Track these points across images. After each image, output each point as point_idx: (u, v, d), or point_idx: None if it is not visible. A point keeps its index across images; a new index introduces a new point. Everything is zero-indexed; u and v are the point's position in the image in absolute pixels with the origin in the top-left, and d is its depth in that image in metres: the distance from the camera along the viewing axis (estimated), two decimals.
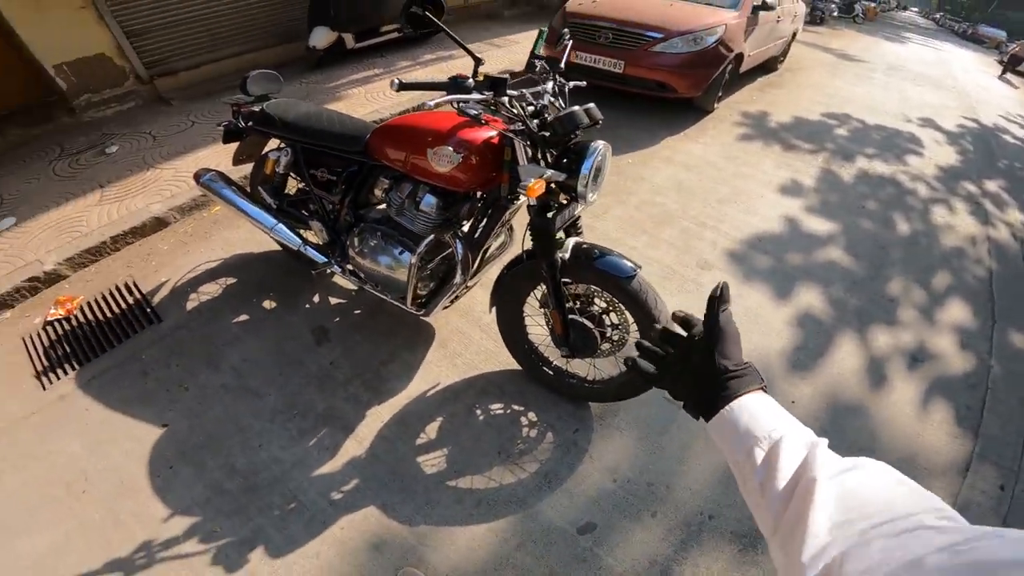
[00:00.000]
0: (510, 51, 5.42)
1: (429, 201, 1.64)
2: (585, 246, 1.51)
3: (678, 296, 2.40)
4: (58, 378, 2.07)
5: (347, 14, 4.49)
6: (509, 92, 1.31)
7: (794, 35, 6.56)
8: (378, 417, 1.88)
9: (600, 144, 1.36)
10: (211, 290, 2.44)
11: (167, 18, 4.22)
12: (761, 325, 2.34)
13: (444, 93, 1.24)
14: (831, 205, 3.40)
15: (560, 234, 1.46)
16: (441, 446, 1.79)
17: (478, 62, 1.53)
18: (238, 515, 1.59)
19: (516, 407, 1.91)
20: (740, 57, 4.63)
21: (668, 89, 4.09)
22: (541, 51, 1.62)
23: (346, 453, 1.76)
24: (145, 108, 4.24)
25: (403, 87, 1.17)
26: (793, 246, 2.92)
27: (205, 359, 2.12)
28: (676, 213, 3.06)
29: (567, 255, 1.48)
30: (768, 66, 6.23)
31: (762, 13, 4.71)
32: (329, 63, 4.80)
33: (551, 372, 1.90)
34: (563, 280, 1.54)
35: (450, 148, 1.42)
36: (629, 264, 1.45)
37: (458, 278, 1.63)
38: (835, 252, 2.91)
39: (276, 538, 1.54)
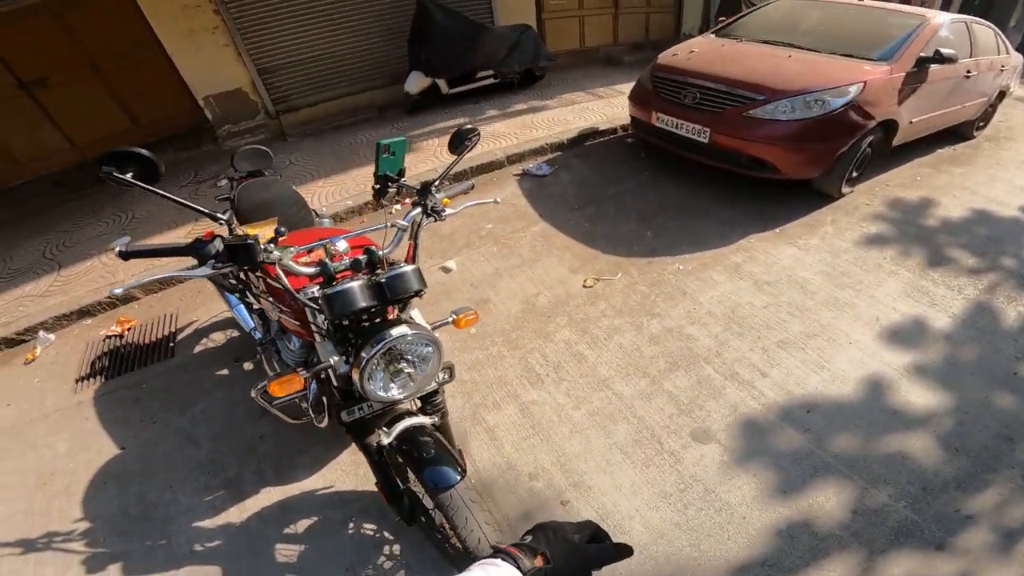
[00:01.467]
0: (609, 104, 5.19)
1: (292, 339, 1.65)
2: (414, 438, 1.33)
3: (641, 471, 1.93)
4: (88, 385, 2.58)
5: (437, 60, 4.80)
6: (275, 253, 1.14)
7: (1002, 94, 5.03)
8: (269, 497, 1.99)
9: (393, 334, 1.17)
10: (218, 339, 2.78)
11: (291, 57, 5.02)
12: (730, 530, 1.77)
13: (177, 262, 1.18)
14: (961, 366, 2.39)
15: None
16: (301, 543, 1.83)
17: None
18: (123, 536, 1.88)
19: (386, 535, 1.83)
20: (892, 125, 3.69)
21: (767, 168, 3.37)
22: (390, 169, 1.45)
23: (227, 516, 1.93)
24: (270, 142, 5.08)
25: (126, 255, 1.00)
26: (855, 424, 2.10)
27: (179, 402, 2.45)
28: (705, 354, 2.39)
29: (391, 440, 1.32)
30: (960, 132, 4.88)
31: (934, 67, 3.68)
32: (424, 108, 5.18)
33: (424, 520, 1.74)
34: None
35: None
36: (451, 473, 1.24)
37: (315, 418, 1.60)
38: (922, 441, 2.05)
39: (136, 564, 1.79)
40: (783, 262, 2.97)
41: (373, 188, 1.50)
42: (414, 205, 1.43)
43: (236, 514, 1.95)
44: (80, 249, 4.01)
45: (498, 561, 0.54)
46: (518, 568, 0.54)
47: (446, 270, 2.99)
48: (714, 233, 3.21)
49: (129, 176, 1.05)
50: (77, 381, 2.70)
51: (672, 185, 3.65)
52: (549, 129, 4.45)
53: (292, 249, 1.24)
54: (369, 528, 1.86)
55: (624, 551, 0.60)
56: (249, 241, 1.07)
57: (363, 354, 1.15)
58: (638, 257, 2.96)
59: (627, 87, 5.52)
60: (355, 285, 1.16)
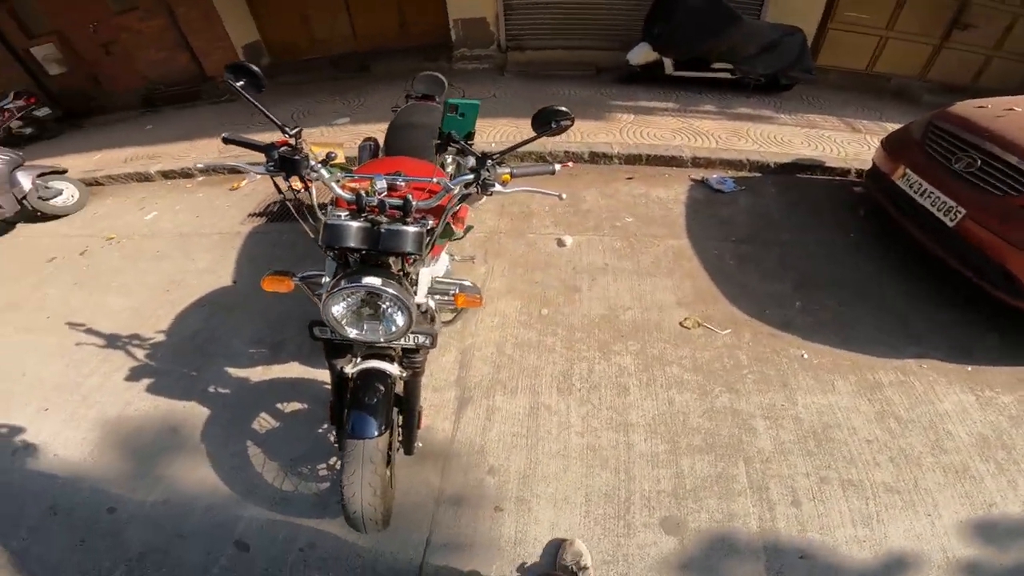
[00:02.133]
0: (859, 141, 4.15)
1: None
2: (370, 380, 1.39)
3: (587, 523, 1.70)
4: (253, 221, 3.32)
5: (671, 36, 4.43)
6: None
7: None
8: (290, 371, 2.36)
9: (362, 282, 1.19)
10: None
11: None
12: None
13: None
14: None
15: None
16: (280, 421, 2.14)
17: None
18: (175, 357, 2.51)
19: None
20: None
21: (1018, 291, 2.29)
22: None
23: (250, 372, 2.38)
24: (489, 72, 5.48)
25: (227, 141, 1.33)
26: None
27: (293, 259, 2.96)
28: (750, 454, 1.88)
29: (352, 372, 1.42)
30: None
31: None
32: (639, 82, 4.90)
33: None
34: None
35: None
36: (370, 426, 1.30)
37: None
38: None
39: (162, 383, 2.37)
40: (942, 405, 2.08)
41: (435, 143, 1.52)
42: (470, 171, 1.40)
43: (259, 373, 2.33)
44: (317, 118, 5.01)
45: None
46: None
47: (560, 243, 2.91)
48: (882, 339, 2.34)
49: (240, 84, 1.27)
50: (249, 215, 3.46)
51: (874, 262, 2.77)
52: (761, 145, 3.80)
53: (339, 174, 1.39)
54: (332, 439, 2.00)
55: None
56: (297, 157, 1.26)
57: (331, 286, 1.22)
58: (763, 323, 2.39)
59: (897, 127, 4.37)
60: (352, 224, 1.22)
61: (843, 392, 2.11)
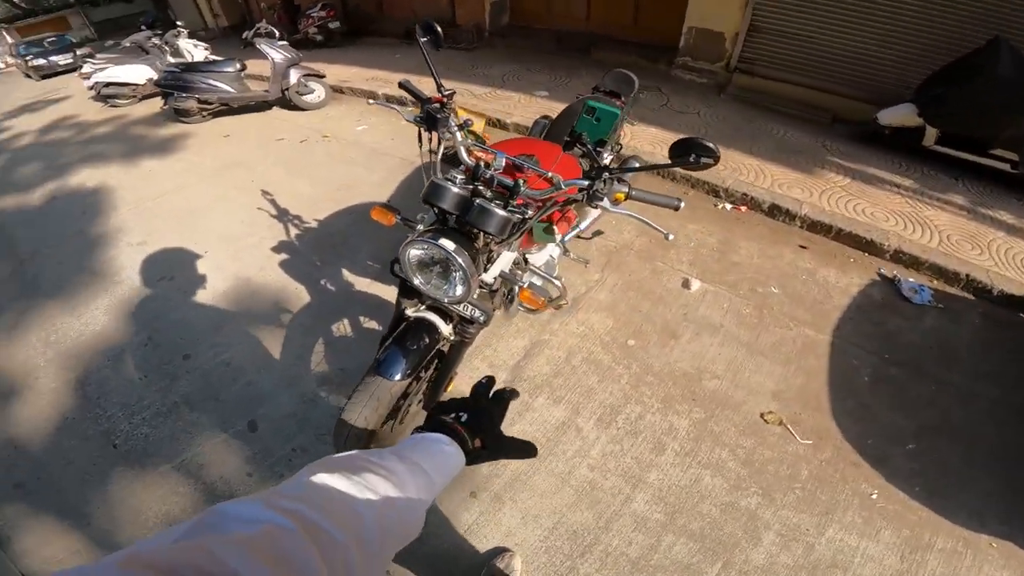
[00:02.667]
0: None
1: None
2: (418, 328, 1.48)
3: (542, 548, 1.57)
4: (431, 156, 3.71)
5: (954, 104, 3.56)
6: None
7: None
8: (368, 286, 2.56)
9: (438, 242, 1.25)
10: None
11: (790, 27, 4.59)
12: None
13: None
14: None
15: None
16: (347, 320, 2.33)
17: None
18: (316, 250, 2.94)
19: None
20: None
21: None
22: None
23: (342, 277, 2.60)
24: (706, 89, 5.11)
25: (400, 85, 1.64)
26: None
27: None
28: (746, 560, 1.58)
29: (411, 314, 1.55)
30: None
31: None
32: (880, 145, 4.07)
33: None
34: None
35: None
36: (395, 368, 1.38)
37: None
38: None
39: (293, 273, 2.84)
40: None
41: (564, 140, 1.51)
42: (584, 176, 1.34)
43: (364, 285, 2.71)
44: (521, 84, 5.28)
45: (446, 439, 0.62)
46: (463, 448, 0.63)
47: (686, 284, 2.65)
48: (976, 507, 1.73)
49: (424, 40, 1.57)
50: (430, 151, 3.85)
51: None
52: (998, 263, 2.85)
53: (470, 141, 1.52)
54: None
55: (531, 450, 0.69)
56: (439, 115, 1.52)
57: (416, 235, 1.32)
58: (853, 449, 1.85)
59: None
60: (452, 189, 1.29)
61: (883, 542, 1.66)
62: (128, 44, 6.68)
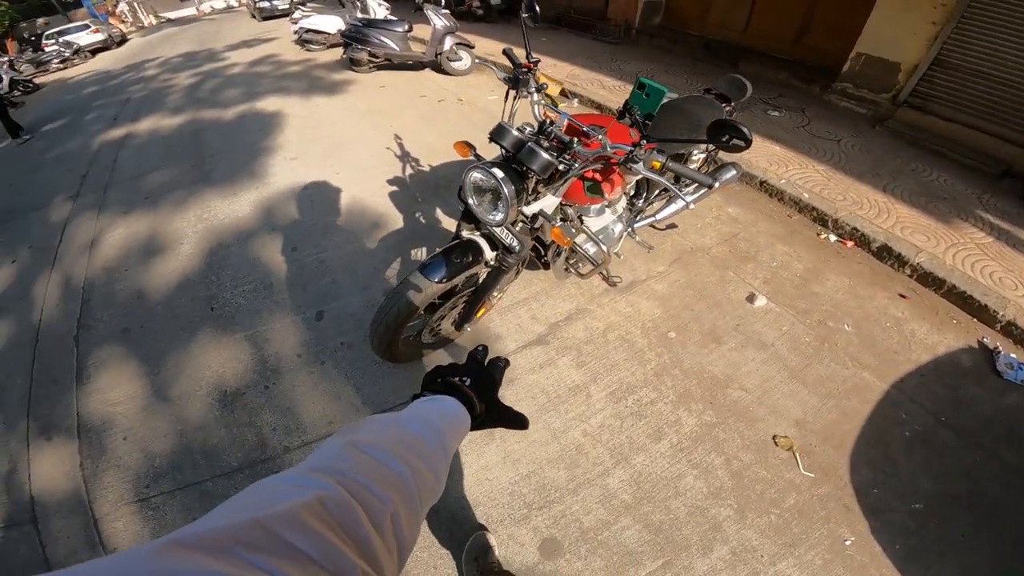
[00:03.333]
0: None
1: None
2: (467, 246, 1.79)
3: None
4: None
5: None
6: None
7: None
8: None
9: (492, 171, 1.51)
10: None
11: (984, 67, 4.01)
12: None
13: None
14: None
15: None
16: None
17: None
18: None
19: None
20: None
21: None
22: None
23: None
24: (860, 119, 4.67)
25: (505, 52, 1.94)
26: None
27: None
28: None
29: (466, 235, 1.87)
30: None
31: None
32: None
33: None
34: None
35: None
36: (434, 271, 1.69)
37: None
38: None
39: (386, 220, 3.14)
40: None
41: (617, 110, 1.69)
42: (633, 144, 1.49)
43: (450, 223, 3.07)
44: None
45: (456, 402, 0.62)
46: (471, 411, 0.63)
47: (751, 299, 2.59)
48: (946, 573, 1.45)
49: (526, 16, 1.85)
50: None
51: None
52: None
53: (543, 102, 1.76)
54: None
55: (524, 422, 0.69)
56: (521, 77, 1.82)
57: (476, 163, 1.59)
58: (854, 494, 1.70)
59: None
60: (512, 131, 1.55)
61: None
62: None
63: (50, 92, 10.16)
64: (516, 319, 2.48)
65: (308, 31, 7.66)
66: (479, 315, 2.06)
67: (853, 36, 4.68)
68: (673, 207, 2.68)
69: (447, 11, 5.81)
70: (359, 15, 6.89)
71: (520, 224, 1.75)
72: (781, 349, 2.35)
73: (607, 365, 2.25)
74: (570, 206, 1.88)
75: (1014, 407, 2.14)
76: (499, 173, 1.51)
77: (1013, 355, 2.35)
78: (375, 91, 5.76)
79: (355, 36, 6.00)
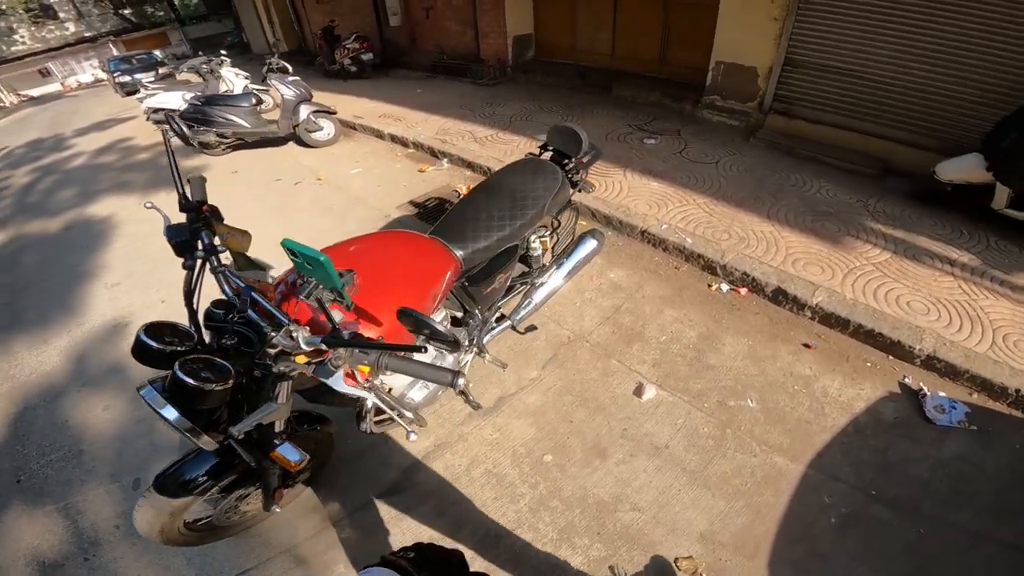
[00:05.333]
0: None
1: None
2: None
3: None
4: (407, 208, 3.48)
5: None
6: None
7: None
8: None
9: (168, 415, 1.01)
10: None
11: (832, 60, 3.99)
12: None
13: None
14: None
15: None
16: None
17: None
18: None
19: None
20: None
21: None
22: None
23: None
24: (734, 132, 4.57)
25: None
26: None
27: None
28: None
29: None
30: None
31: None
32: (939, 205, 3.37)
33: None
34: None
35: None
36: None
37: None
38: None
39: None
40: None
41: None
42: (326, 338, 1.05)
43: None
44: (530, 125, 5.00)
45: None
46: None
47: (639, 391, 2.20)
48: None
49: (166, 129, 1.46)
50: (409, 202, 3.72)
51: None
52: None
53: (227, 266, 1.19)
54: None
55: None
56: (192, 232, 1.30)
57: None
58: None
59: None
60: (152, 344, 1.09)
61: None
62: (185, 68, 7.19)
63: None
64: (364, 467, 2.03)
65: (157, 111, 6.90)
66: (283, 500, 1.52)
67: (707, 46, 4.63)
68: (536, 299, 2.27)
69: (295, 78, 5.32)
70: (222, 88, 6.26)
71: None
72: (677, 449, 1.98)
73: (471, 510, 1.85)
74: None
75: (954, 457, 1.87)
76: (171, 415, 1.00)
77: (942, 393, 2.10)
78: (226, 178, 5.13)
79: (196, 117, 5.36)
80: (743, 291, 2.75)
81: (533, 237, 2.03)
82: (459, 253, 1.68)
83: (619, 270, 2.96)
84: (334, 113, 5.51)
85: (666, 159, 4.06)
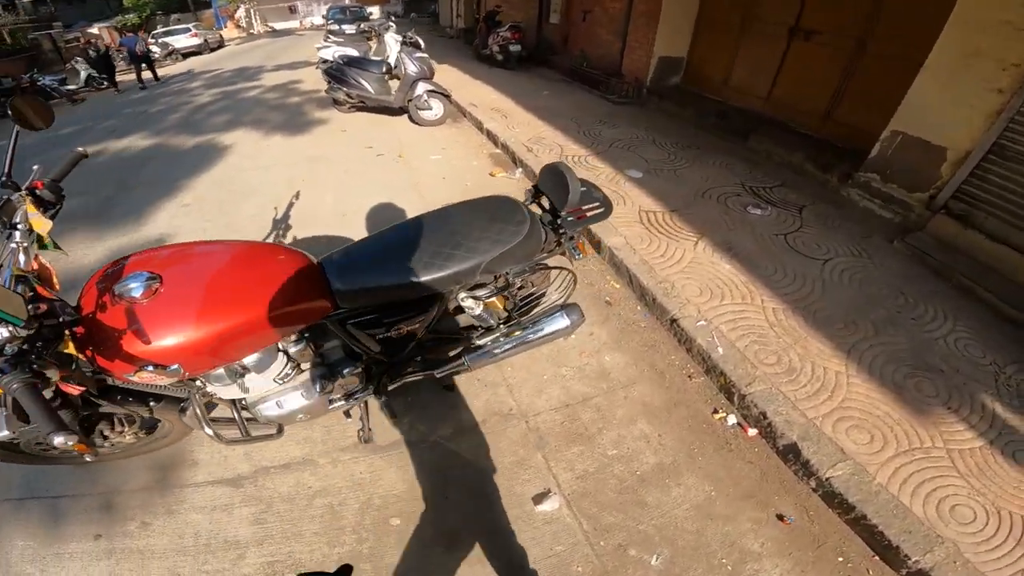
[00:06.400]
0: None
1: None
2: None
3: None
4: None
5: None
6: None
7: None
8: None
9: None
10: None
11: None
12: None
13: None
14: None
15: None
16: None
17: None
18: None
19: None
20: None
21: None
22: None
23: None
24: (882, 225, 3.65)
25: None
26: None
27: None
28: None
29: None
30: None
31: None
32: None
33: None
34: None
35: None
36: None
37: None
38: None
39: None
40: None
41: None
42: None
43: None
44: (623, 156, 4.58)
45: None
46: None
47: (540, 498, 1.84)
48: None
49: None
50: None
51: None
52: None
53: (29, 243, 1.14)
54: None
55: None
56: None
57: None
58: None
59: None
60: None
61: None
62: (366, 28, 8.05)
63: (102, 96, 11.21)
64: (228, 451, 2.01)
65: (326, 62, 7.78)
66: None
67: (891, 110, 3.69)
68: (468, 361, 1.94)
69: (423, 55, 5.54)
70: (384, 51, 6.80)
71: None
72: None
73: (289, 533, 1.74)
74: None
75: None
76: None
77: None
78: (335, 135, 5.59)
79: (334, 75, 5.92)
80: (751, 431, 2.13)
81: (464, 295, 1.74)
82: (338, 286, 1.51)
83: (619, 355, 2.50)
84: (448, 96, 5.65)
85: (761, 238, 3.35)
